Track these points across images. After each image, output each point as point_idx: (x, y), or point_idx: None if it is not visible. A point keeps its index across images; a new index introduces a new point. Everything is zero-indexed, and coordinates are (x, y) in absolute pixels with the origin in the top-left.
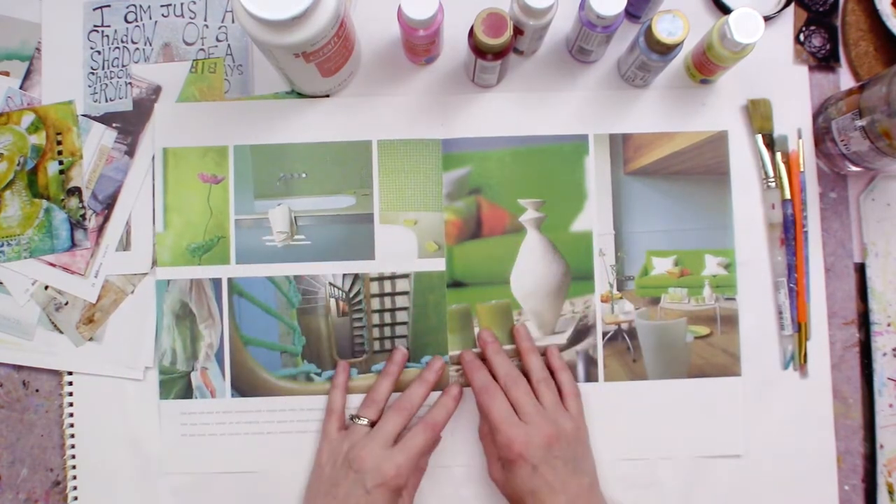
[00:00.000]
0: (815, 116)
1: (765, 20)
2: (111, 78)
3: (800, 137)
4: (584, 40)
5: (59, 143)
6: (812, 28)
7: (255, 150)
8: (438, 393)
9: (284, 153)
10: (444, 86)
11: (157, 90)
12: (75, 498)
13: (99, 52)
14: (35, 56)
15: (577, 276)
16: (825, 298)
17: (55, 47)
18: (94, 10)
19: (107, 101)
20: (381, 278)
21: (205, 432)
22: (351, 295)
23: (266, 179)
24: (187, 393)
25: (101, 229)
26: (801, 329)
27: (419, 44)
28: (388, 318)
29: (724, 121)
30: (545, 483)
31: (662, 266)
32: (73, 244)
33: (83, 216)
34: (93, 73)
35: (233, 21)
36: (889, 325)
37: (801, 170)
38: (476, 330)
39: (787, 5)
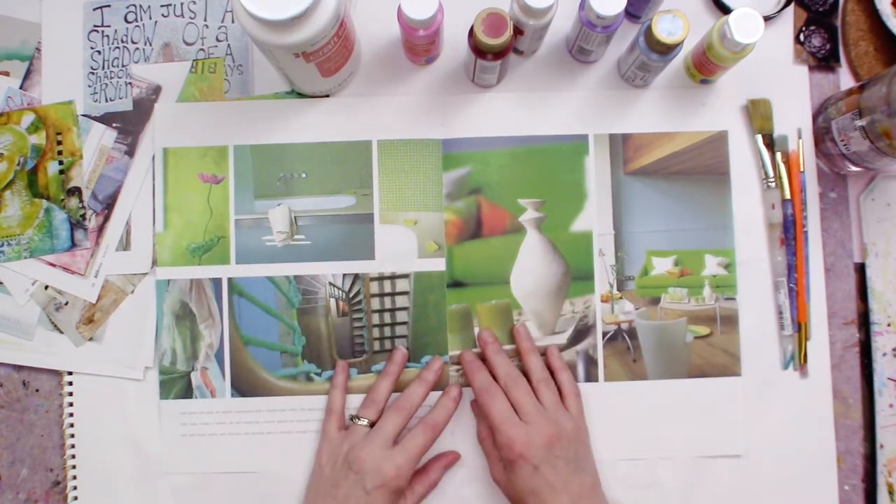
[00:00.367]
0: (815, 116)
1: (765, 20)
2: (111, 78)
3: (800, 137)
4: (584, 40)
5: (59, 143)
6: (812, 28)
7: (255, 150)
8: (438, 393)
9: (284, 153)
10: (444, 86)
11: (157, 90)
12: (75, 498)
13: (99, 52)
14: (35, 56)
15: (577, 276)
16: (825, 298)
17: (55, 47)
18: (94, 10)
19: (107, 101)
20: (381, 278)
21: (205, 432)
22: (351, 295)
23: (266, 179)
24: (187, 393)
25: (101, 229)
26: (801, 329)
27: (419, 44)
28: (388, 318)
29: (724, 121)
30: (547, 483)
31: (662, 266)
32: (73, 244)
33: (83, 216)
34: (93, 73)
35: (233, 21)
36: (889, 325)
37: (801, 170)
38: (476, 330)
39: (787, 5)
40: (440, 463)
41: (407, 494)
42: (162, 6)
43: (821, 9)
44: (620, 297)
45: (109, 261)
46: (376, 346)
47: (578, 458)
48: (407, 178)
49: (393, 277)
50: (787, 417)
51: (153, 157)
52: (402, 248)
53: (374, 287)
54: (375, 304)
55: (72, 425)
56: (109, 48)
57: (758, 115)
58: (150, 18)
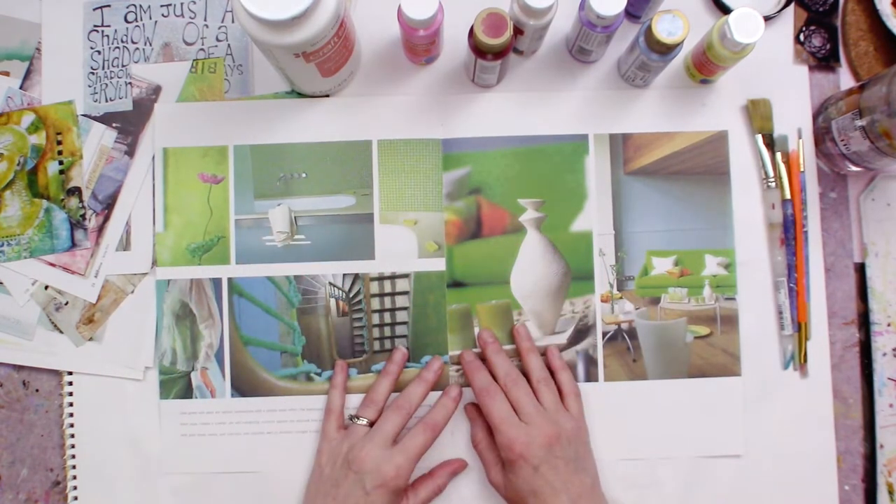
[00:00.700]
0: (815, 116)
1: (765, 20)
2: (111, 78)
3: (800, 137)
4: (584, 40)
5: (59, 143)
6: (812, 28)
7: (255, 150)
8: (438, 393)
9: (284, 153)
10: (444, 86)
11: (157, 90)
12: (75, 498)
13: (99, 52)
14: (35, 56)
15: (577, 276)
16: (825, 298)
17: (55, 47)
18: (94, 10)
19: (107, 101)
20: (381, 278)
21: (205, 432)
22: (351, 295)
23: (266, 179)
24: (187, 393)
25: (101, 229)
26: (801, 329)
27: (419, 44)
28: (388, 318)
29: (724, 121)
30: (547, 483)
31: (662, 266)
32: (73, 244)
33: (83, 216)
34: (93, 73)
35: (233, 21)
36: (889, 325)
37: (801, 170)
38: (476, 330)
39: (787, 5)
40: (447, 469)
41: (409, 496)
42: (162, 6)
43: (821, 9)
44: (620, 297)
45: (109, 261)
46: (376, 346)
47: (578, 458)
48: (407, 178)
49: (393, 277)
50: (787, 417)
51: (153, 157)
52: (402, 248)
53: (374, 287)
54: (375, 304)
55: (72, 425)
56: (109, 48)
57: (758, 115)
58: (150, 18)
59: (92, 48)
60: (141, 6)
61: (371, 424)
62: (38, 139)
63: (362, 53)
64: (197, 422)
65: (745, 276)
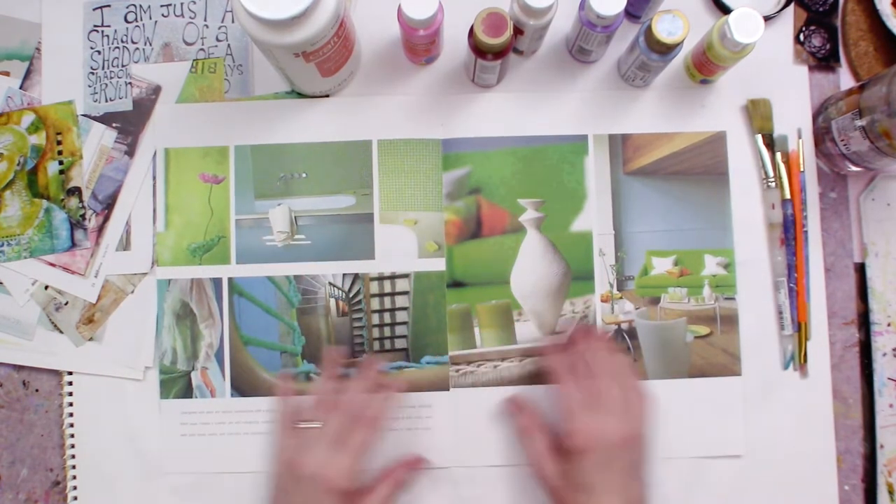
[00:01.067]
0: (815, 116)
1: (765, 20)
2: (111, 78)
3: (800, 137)
4: (584, 40)
5: (59, 143)
6: (812, 28)
7: (256, 150)
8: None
9: (284, 153)
10: (444, 86)
11: (157, 90)
12: (75, 498)
13: (99, 52)
14: (35, 56)
15: (577, 276)
16: (825, 298)
17: (55, 47)
18: (94, 10)
19: (107, 101)
20: (381, 278)
21: (205, 432)
22: (351, 295)
23: (266, 179)
24: (187, 392)
25: (101, 229)
26: (801, 329)
27: (419, 44)
28: (387, 318)
29: (724, 121)
30: (604, 481)
31: (662, 266)
32: (73, 244)
33: (83, 216)
34: (93, 73)
35: (233, 21)
36: (889, 325)
37: (801, 170)
38: (476, 330)
39: (787, 5)
40: (403, 464)
41: (367, 498)
42: (162, 6)
43: (821, 9)
44: (620, 297)
45: (109, 261)
46: (376, 346)
47: (640, 466)
48: (407, 178)
49: (393, 277)
50: (787, 417)
51: (153, 157)
52: (403, 248)
53: (374, 287)
54: (375, 304)
55: (72, 425)
56: (109, 48)
57: (758, 115)
58: (150, 18)
59: (92, 48)
60: (141, 6)
61: (318, 428)
62: (38, 139)
63: (362, 53)
64: (197, 421)
65: (744, 275)
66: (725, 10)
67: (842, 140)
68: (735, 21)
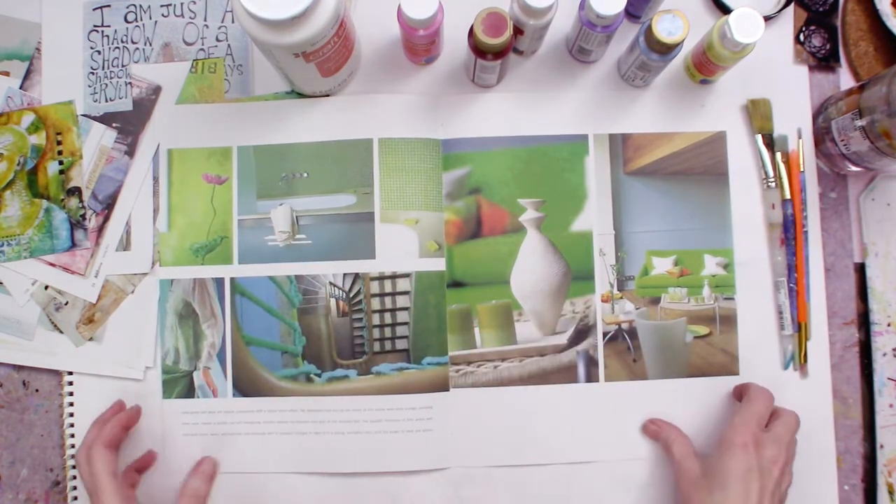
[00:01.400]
0: (815, 116)
1: (765, 20)
2: (111, 78)
3: (800, 137)
4: (584, 40)
5: (59, 143)
6: (812, 28)
7: (258, 150)
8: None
9: (286, 153)
10: (444, 86)
11: (157, 90)
12: (75, 498)
13: (99, 52)
14: (35, 56)
15: (577, 276)
16: (825, 298)
17: (55, 47)
18: (94, 10)
19: (107, 101)
20: (381, 278)
21: (206, 432)
22: (351, 295)
23: (269, 179)
24: (189, 392)
25: (101, 229)
26: (801, 329)
27: (419, 44)
28: (388, 318)
29: (724, 121)
30: (744, 483)
31: (662, 266)
32: (73, 244)
33: (83, 216)
34: (93, 73)
35: (233, 21)
36: (889, 325)
37: (801, 170)
38: (476, 330)
39: (787, 5)
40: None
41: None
42: (162, 6)
43: (821, 9)
44: (621, 297)
45: (109, 261)
46: (376, 346)
47: (775, 491)
48: (408, 178)
49: (393, 277)
50: None
51: (154, 158)
52: (403, 248)
53: (374, 287)
54: (376, 303)
55: (72, 425)
56: (109, 48)
57: (758, 114)
58: (150, 18)
59: (92, 48)
60: (141, 6)
61: None
62: (38, 139)
63: (362, 53)
64: (199, 421)
65: (744, 276)
66: (725, 10)
67: (842, 140)
68: (735, 21)
